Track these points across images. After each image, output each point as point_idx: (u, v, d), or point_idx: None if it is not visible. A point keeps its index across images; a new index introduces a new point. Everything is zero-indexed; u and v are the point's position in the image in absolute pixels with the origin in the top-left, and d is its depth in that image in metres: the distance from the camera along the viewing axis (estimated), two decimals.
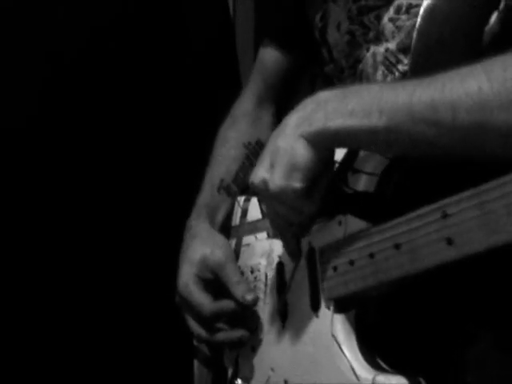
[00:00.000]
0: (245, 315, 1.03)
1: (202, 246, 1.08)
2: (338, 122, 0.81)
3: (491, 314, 0.89)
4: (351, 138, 0.82)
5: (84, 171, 1.42)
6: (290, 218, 0.90)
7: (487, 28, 0.87)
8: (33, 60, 1.37)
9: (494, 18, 0.87)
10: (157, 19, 1.42)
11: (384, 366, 0.86)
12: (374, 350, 0.88)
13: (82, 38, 1.39)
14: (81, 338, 1.39)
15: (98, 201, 1.41)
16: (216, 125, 1.20)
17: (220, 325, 1.04)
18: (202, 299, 1.04)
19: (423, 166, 0.88)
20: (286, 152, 0.84)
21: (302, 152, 0.83)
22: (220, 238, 1.10)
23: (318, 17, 1.05)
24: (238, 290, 1.01)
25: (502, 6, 0.87)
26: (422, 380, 0.82)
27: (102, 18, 1.39)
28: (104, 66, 1.40)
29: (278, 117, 1.23)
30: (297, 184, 0.84)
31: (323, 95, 0.85)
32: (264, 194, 0.88)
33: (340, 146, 0.86)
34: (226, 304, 1.03)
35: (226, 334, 1.03)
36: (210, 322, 1.04)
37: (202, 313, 1.04)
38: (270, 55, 1.18)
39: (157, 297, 1.35)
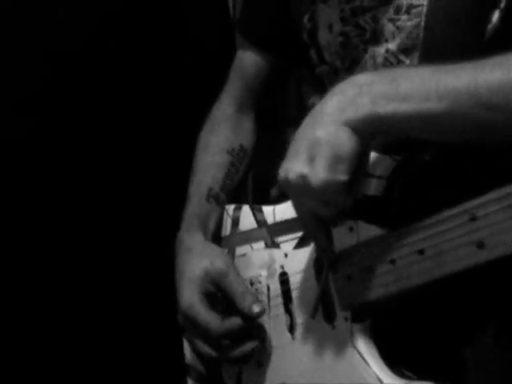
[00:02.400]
0: (251, 327, 0.99)
1: (200, 259, 1.03)
2: (389, 107, 0.75)
3: (494, 313, 0.88)
4: (405, 124, 0.76)
5: (82, 170, 1.38)
6: (326, 214, 0.82)
7: (489, 26, 0.87)
8: (33, 60, 1.32)
9: (495, 15, 0.87)
10: (157, 19, 1.38)
11: (407, 373, 0.84)
12: (393, 357, 0.86)
13: (81, 38, 1.34)
14: (66, 351, 1.33)
15: (93, 202, 1.37)
16: None
17: (228, 342, 0.99)
18: (209, 319, 0.98)
19: (430, 169, 0.88)
20: (329, 142, 0.76)
21: (346, 141, 0.76)
22: (216, 248, 1.06)
23: (305, 18, 1.02)
24: (244, 302, 0.97)
25: (503, 4, 0.87)
26: None
27: (101, 17, 1.35)
28: (103, 66, 1.36)
29: (258, 121, 1.20)
30: (342, 177, 0.77)
31: (364, 78, 0.79)
32: (302, 191, 0.79)
33: (389, 132, 0.78)
34: (234, 322, 0.97)
35: (239, 350, 0.98)
36: (218, 341, 0.99)
37: (210, 333, 0.98)
38: (249, 58, 1.14)
39: (149, 311, 1.31)
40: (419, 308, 0.87)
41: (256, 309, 0.95)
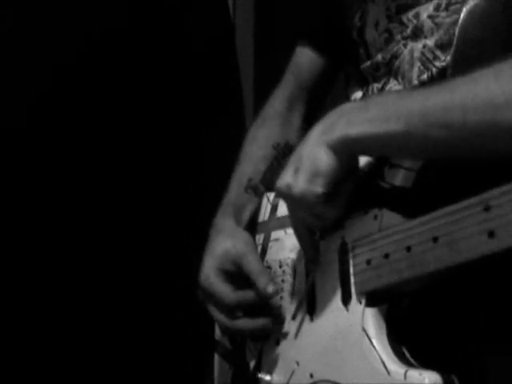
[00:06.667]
0: (270, 307, 1.03)
1: (224, 240, 1.10)
2: (358, 128, 0.85)
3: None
4: (371, 144, 0.86)
5: (86, 177, 1.40)
6: (310, 222, 0.94)
7: None
8: (33, 67, 1.35)
9: None
10: (156, 19, 1.39)
11: (413, 361, 0.85)
12: (402, 345, 0.87)
13: (80, 38, 1.35)
14: (97, 333, 1.38)
15: (108, 207, 1.39)
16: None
17: (241, 314, 1.05)
18: (223, 289, 1.06)
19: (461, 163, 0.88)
20: (309, 158, 0.88)
21: (324, 158, 0.87)
22: (243, 234, 1.12)
23: (356, 17, 1.07)
24: (261, 281, 1.02)
25: None
26: (454, 378, 0.80)
27: (99, 17, 1.36)
28: (102, 67, 1.37)
29: (308, 119, 1.23)
30: (319, 189, 0.88)
31: (346, 106, 0.91)
32: (287, 198, 0.92)
33: (361, 152, 0.90)
34: (248, 294, 1.04)
35: (248, 322, 1.04)
36: (232, 311, 1.05)
37: (223, 302, 1.05)
38: (306, 57, 1.20)
39: (176, 293, 1.34)
40: (435, 298, 0.88)
41: (270, 288, 1.00)
